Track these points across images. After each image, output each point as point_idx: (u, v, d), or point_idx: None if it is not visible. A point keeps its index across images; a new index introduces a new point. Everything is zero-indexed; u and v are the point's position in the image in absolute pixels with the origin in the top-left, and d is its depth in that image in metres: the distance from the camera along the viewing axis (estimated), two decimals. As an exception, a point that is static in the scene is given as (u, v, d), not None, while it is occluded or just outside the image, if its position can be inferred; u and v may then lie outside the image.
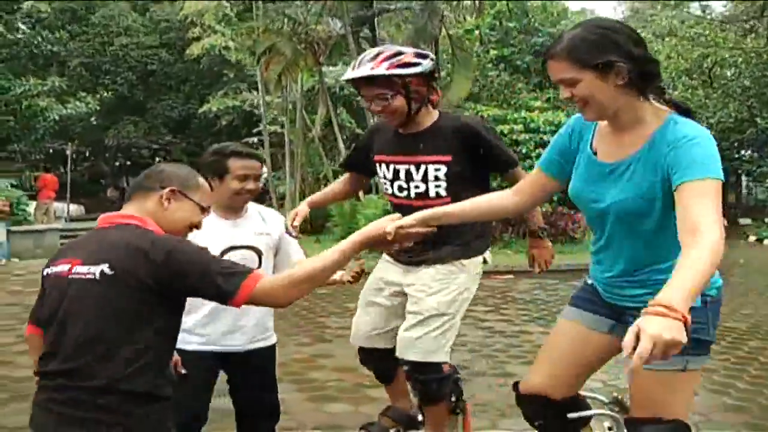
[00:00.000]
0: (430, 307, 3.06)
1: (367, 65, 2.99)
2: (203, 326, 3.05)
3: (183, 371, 2.73)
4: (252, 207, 3.26)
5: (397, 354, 3.13)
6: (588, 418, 2.72)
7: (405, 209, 2.96)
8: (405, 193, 3.17)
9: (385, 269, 3.31)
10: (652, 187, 2.26)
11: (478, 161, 3.08)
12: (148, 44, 29.81)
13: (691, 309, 2.08)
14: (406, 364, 3.11)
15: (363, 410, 4.92)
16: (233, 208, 3.14)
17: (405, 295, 3.17)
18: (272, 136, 21.46)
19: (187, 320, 2.99)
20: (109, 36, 29.56)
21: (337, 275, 2.89)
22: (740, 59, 23.57)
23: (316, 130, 14.94)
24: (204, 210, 2.35)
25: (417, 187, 3.13)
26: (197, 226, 2.35)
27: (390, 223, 2.20)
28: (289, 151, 16.38)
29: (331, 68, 17.78)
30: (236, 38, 20.03)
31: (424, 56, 3.07)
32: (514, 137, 16.54)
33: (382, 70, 2.95)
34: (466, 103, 16.83)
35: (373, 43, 14.54)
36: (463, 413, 3.44)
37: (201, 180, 2.38)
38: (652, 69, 2.23)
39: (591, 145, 2.43)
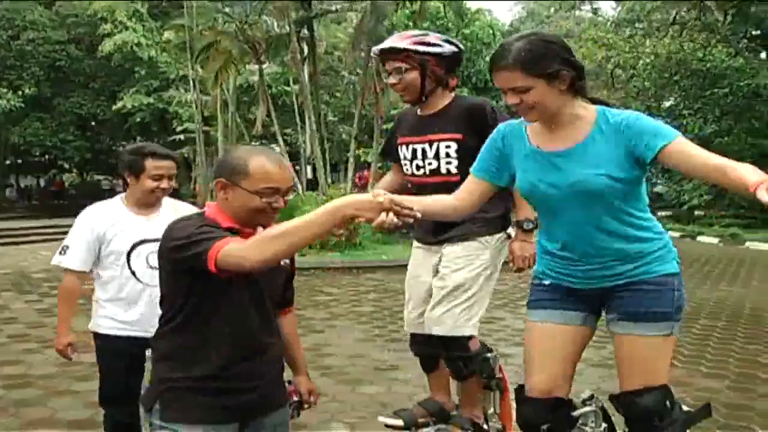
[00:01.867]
0: (455, 283, 3.23)
1: (393, 39, 3.31)
2: (124, 312, 3.36)
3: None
4: (167, 202, 3.50)
5: (426, 330, 3.31)
6: (576, 419, 2.79)
7: (422, 187, 3.31)
8: (422, 171, 3.37)
9: (418, 255, 3.52)
10: (613, 164, 2.45)
11: (484, 140, 3.07)
12: (56, 39, 28.80)
13: (674, 275, 2.57)
14: (437, 339, 3.27)
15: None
16: (147, 204, 3.39)
17: (438, 272, 3.35)
18: (190, 133, 21.34)
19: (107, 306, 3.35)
20: (14, 30, 28.47)
21: None
22: (640, 61, 24.96)
23: (257, 128, 15.04)
24: (264, 193, 2.25)
25: (430, 164, 3.33)
26: (271, 209, 2.28)
27: (380, 194, 2.14)
28: (212, 150, 16.44)
29: (263, 67, 17.85)
30: (157, 35, 19.79)
31: (449, 42, 3.32)
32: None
33: (403, 44, 3.23)
34: (400, 103, 17.22)
35: (312, 42, 14.76)
36: (500, 390, 3.55)
37: (253, 166, 2.25)
38: (582, 73, 2.50)
39: (529, 144, 2.61)
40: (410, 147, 3.40)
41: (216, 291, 2.20)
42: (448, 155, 3.28)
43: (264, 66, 15.91)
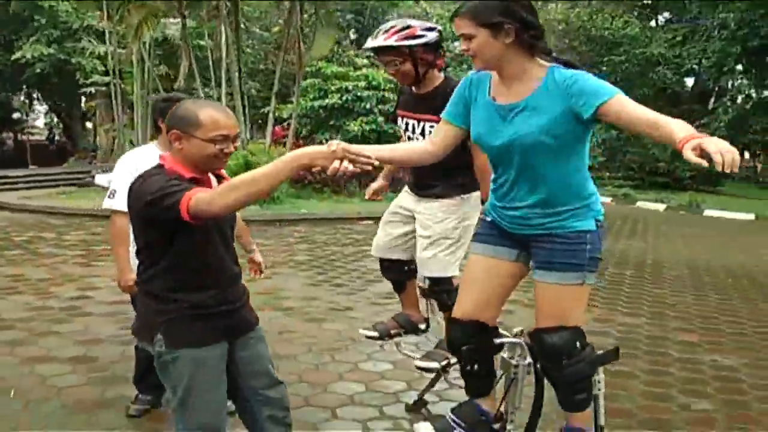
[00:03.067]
0: (437, 233, 3.66)
1: (381, 37, 3.63)
2: None
3: None
4: None
5: (420, 272, 3.79)
6: (500, 347, 3.03)
7: None
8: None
9: (402, 198, 3.92)
10: (553, 120, 2.57)
11: None
12: (-54, -17, 27.23)
13: (588, 232, 2.72)
14: (426, 279, 3.83)
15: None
16: None
17: (414, 218, 3.80)
18: (100, 86, 20.89)
19: None
20: None
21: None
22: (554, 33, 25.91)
23: (180, 82, 14.98)
24: (217, 141, 2.49)
25: (417, 140, 3.67)
26: (223, 154, 2.53)
27: (334, 144, 2.31)
28: (127, 103, 16.28)
29: (171, 19, 17.62)
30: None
31: (431, 29, 3.69)
32: (358, 94, 17.44)
33: (392, 41, 3.54)
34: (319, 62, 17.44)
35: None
36: None
37: (203, 116, 2.49)
38: (536, 33, 2.60)
39: (489, 93, 2.75)
40: (404, 120, 3.81)
41: (189, 233, 2.46)
42: (431, 134, 3.69)
43: (178, 21, 15.77)
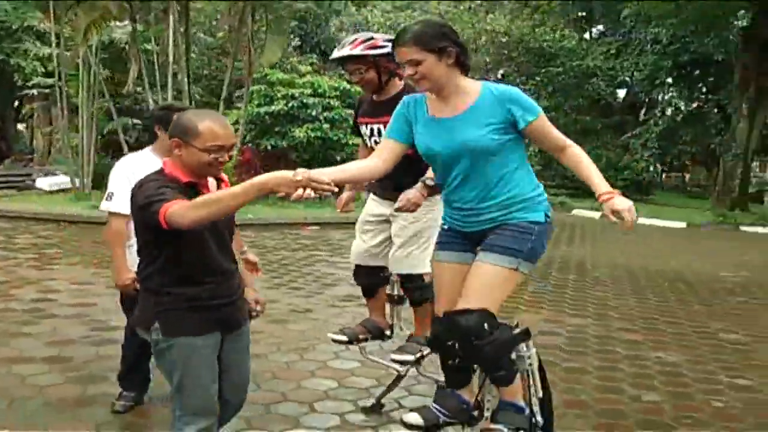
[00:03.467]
0: (413, 232, 3.92)
1: (347, 48, 3.93)
2: None
3: None
4: None
5: (390, 269, 4.06)
6: None
7: None
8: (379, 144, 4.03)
9: (374, 205, 4.14)
10: (494, 127, 2.92)
11: None
12: None
13: (537, 223, 2.99)
14: (399, 276, 4.06)
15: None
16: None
17: (389, 222, 4.04)
18: (42, 89, 20.51)
19: None
20: None
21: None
22: (483, 37, 26.54)
23: (128, 86, 14.91)
24: (212, 150, 2.72)
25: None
26: (218, 163, 2.76)
27: (299, 172, 2.49)
28: (71, 106, 16.07)
29: (118, 23, 17.46)
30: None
31: (391, 41, 3.79)
32: (304, 101, 17.59)
33: (357, 51, 3.86)
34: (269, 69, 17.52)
35: (185, 3, 14.76)
36: None
37: (202, 127, 2.72)
38: (466, 53, 3.01)
39: (427, 112, 3.08)
40: (368, 126, 4.05)
41: (180, 235, 2.66)
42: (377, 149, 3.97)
43: (126, 24, 15.71)
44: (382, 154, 3.15)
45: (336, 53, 3.95)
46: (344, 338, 4.20)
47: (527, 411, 3.16)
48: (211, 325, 2.86)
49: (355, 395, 4.50)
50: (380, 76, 3.91)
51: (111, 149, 19.74)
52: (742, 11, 21.97)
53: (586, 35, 30.32)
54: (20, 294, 7.04)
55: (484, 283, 2.97)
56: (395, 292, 4.28)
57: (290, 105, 17.48)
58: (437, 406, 3.20)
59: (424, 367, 4.18)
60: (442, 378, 3.72)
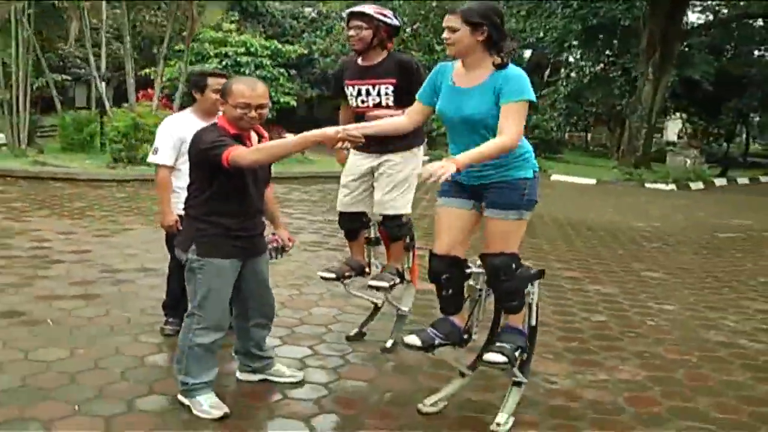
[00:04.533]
0: (400, 179, 4.52)
1: (364, 7, 4.59)
2: None
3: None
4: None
5: (375, 210, 4.63)
6: (468, 275, 3.79)
7: (363, 115, 4.49)
8: (366, 103, 4.55)
9: (356, 161, 4.70)
10: (492, 104, 3.39)
11: (411, 84, 4.22)
12: None
13: (527, 179, 3.52)
14: (383, 217, 4.60)
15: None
16: (211, 113, 4.46)
17: (373, 174, 4.61)
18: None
19: (181, 192, 4.23)
20: None
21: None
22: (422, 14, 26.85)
23: (70, 43, 14.99)
24: (240, 107, 3.47)
25: (374, 99, 4.52)
26: (248, 117, 3.48)
27: (340, 129, 3.39)
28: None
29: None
30: None
31: (396, 18, 4.68)
32: (237, 59, 18.07)
33: (370, 10, 4.45)
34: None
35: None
36: (413, 250, 4.92)
37: (233, 88, 3.49)
38: (501, 37, 3.46)
39: (451, 80, 3.58)
40: (356, 87, 4.59)
41: (231, 175, 3.42)
42: (387, 93, 4.49)
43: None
44: (410, 113, 3.81)
45: (352, 9, 4.62)
46: (332, 275, 4.82)
47: (525, 334, 3.73)
48: (237, 252, 3.62)
49: (359, 318, 5.31)
50: (373, 39, 4.48)
51: (38, 105, 19.71)
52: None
53: (495, -4, 30.72)
54: (16, 243, 7.51)
55: (502, 232, 3.54)
56: (372, 235, 4.95)
57: (224, 63, 17.92)
58: (433, 330, 3.70)
59: (393, 296, 4.91)
60: (404, 307, 4.79)
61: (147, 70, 19.67)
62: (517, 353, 3.60)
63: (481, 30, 3.43)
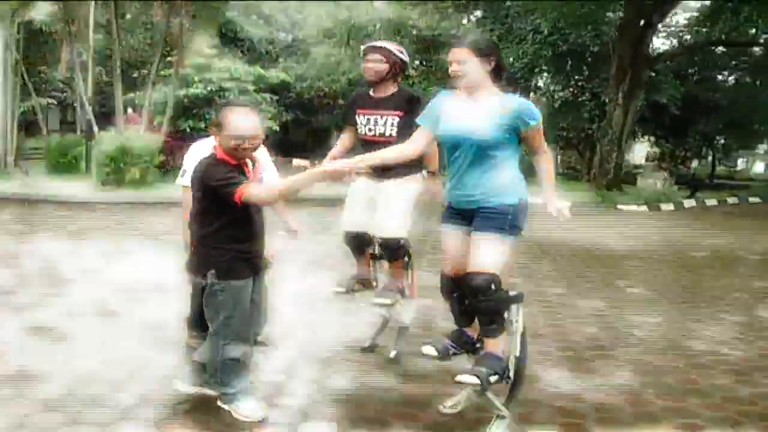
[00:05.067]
0: (398, 204, 4.78)
1: (384, 43, 5.02)
2: None
3: None
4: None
5: (375, 233, 4.88)
6: None
7: (371, 144, 4.75)
8: (372, 132, 4.87)
9: (360, 186, 4.97)
10: (498, 129, 3.59)
11: (415, 117, 4.27)
12: None
13: (512, 206, 3.70)
14: (381, 239, 4.87)
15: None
16: None
17: (374, 200, 4.88)
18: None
19: None
20: None
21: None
22: (377, 24, 27.39)
23: (62, 69, 15.22)
24: (234, 137, 3.61)
25: (380, 129, 4.83)
26: (243, 149, 3.66)
27: (346, 164, 3.66)
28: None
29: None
30: None
31: (407, 55, 5.07)
32: (222, 84, 18.37)
33: (390, 46, 4.89)
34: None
35: None
36: (412, 268, 5.19)
37: (228, 120, 3.63)
38: (505, 68, 3.83)
39: (452, 104, 3.79)
40: (365, 116, 4.92)
41: (237, 208, 3.65)
42: (392, 125, 4.80)
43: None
44: (414, 139, 3.98)
45: (374, 43, 5.01)
46: (343, 290, 5.19)
47: (504, 362, 3.77)
48: (250, 272, 3.90)
49: (368, 331, 5.65)
50: (388, 73, 4.84)
51: (22, 128, 19.84)
52: (618, 5, 23.80)
53: (465, 21, 31.23)
54: (25, 263, 7.77)
55: (484, 253, 3.70)
56: (377, 251, 5.17)
57: (208, 89, 18.20)
58: (448, 340, 4.01)
59: (397, 312, 5.19)
60: (405, 321, 5.09)
61: (127, 95, 19.86)
62: (492, 378, 3.68)
63: (490, 60, 3.73)
